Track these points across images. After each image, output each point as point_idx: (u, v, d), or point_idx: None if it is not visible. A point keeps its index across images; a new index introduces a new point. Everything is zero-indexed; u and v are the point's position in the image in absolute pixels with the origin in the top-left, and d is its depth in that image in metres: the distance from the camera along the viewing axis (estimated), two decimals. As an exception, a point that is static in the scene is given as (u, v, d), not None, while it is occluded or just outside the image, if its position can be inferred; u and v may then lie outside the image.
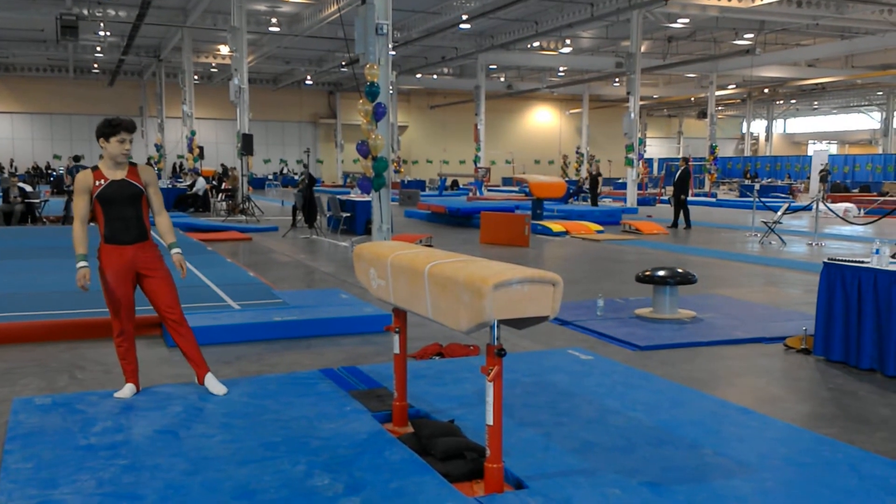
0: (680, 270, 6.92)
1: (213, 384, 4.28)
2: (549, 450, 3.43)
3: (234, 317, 6.34)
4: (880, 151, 40.96)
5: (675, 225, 16.71)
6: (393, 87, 23.80)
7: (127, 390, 4.24)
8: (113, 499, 2.90)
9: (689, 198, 17.36)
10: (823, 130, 50.10)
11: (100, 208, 4.10)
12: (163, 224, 4.41)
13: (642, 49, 23.48)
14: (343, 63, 30.70)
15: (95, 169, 4.15)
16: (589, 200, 22.56)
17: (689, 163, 17.42)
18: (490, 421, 2.91)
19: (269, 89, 42.18)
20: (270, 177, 41.78)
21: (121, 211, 4.12)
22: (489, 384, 2.88)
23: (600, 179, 23.03)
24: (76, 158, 19.37)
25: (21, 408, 4.01)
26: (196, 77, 32.78)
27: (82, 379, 4.96)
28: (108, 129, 4.10)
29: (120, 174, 4.13)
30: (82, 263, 4.09)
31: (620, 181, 32.27)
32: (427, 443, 3.41)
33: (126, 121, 4.19)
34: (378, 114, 9.82)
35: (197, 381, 4.34)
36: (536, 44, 29.30)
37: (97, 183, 4.08)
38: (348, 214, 14.75)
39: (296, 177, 39.27)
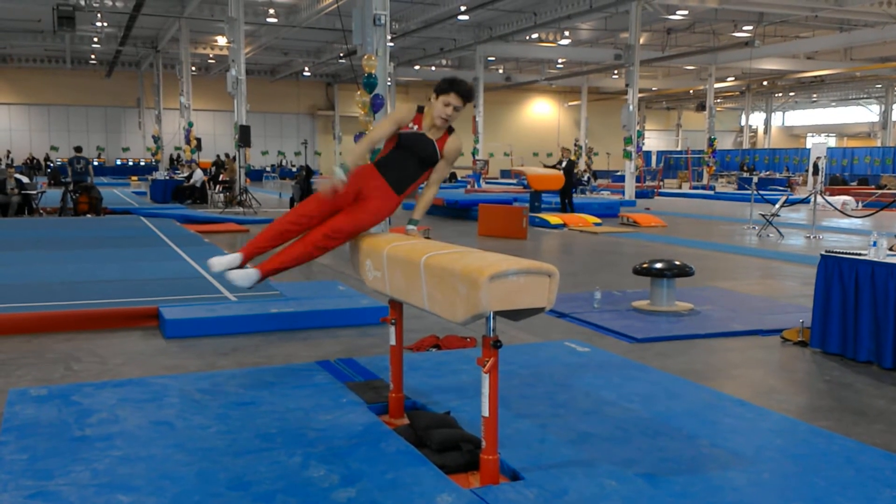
0: (677, 263, 6.92)
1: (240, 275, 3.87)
2: (545, 441, 3.43)
3: (232, 308, 6.33)
4: (879, 144, 40.97)
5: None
6: (391, 78, 23.71)
7: (229, 259, 3.86)
8: (108, 490, 2.90)
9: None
10: (822, 123, 50.07)
11: (393, 143, 3.91)
12: (425, 195, 4.02)
13: (641, 41, 23.42)
14: (341, 54, 30.63)
15: (420, 111, 3.93)
16: (573, 195, 18.91)
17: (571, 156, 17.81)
18: (486, 412, 2.91)
19: (267, 81, 42.08)
20: (268, 169, 41.74)
21: (405, 162, 3.87)
22: (485, 376, 2.88)
23: (582, 172, 21.77)
24: (77, 149, 19.30)
25: (16, 399, 4.00)
26: (193, 68, 32.64)
27: (78, 370, 4.95)
28: (443, 84, 3.85)
29: (432, 133, 3.87)
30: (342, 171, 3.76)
31: (619, 174, 32.26)
32: (423, 434, 3.41)
33: (463, 86, 3.86)
34: (376, 105, 9.80)
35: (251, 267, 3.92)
36: (535, 35, 29.21)
37: (409, 124, 3.88)
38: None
39: (293, 169, 39.24)
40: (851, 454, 3.35)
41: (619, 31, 28.03)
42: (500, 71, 38.83)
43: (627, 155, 21.71)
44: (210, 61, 37.23)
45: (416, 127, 3.89)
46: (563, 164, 18.02)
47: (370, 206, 3.84)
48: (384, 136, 3.97)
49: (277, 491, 2.89)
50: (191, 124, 25.25)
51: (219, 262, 3.86)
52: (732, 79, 38.27)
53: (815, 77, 35.93)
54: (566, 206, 17.29)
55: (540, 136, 47.88)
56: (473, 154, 29.51)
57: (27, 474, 3.03)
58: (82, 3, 22.87)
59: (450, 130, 3.92)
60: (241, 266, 3.90)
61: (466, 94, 3.85)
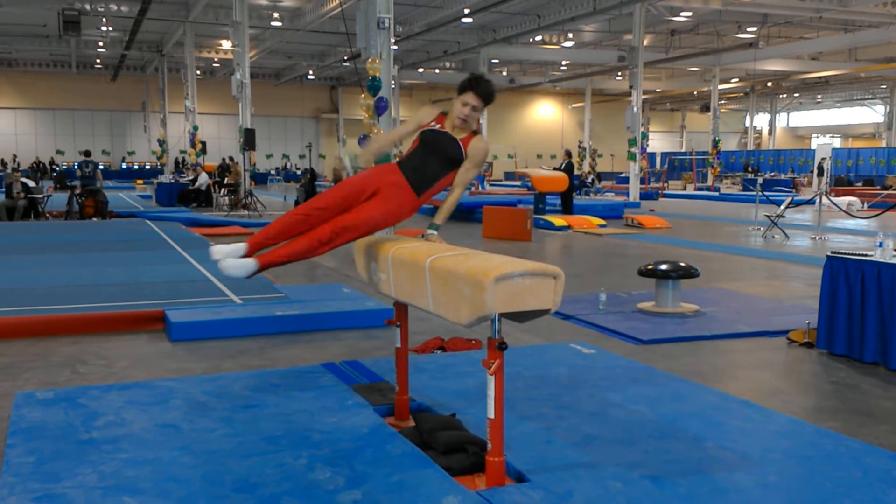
0: (682, 264, 6.91)
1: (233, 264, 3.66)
2: (551, 443, 3.43)
3: (237, 311, 6.34)
4: (884, 145, 40.82)
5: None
6: (395, 81, 23.73)
7: (232, 248, 3.66)
8: (115, 492, 2.91)
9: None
10: (827, 124, 49.95)
11: (416, 142, 3.80)
12: (448, 198, 3.82)
13: (645, 43, 23.39)
14: (345, 58, 30.66)
15: (445, 114, 3.80)
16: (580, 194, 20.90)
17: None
18: (491, 414, 2.90)
19: (272, 84, 42.15)
20: (273, 172, 41.81)
21: (427, 160, 3.72)
22: (490, 378, 2.87)
23: (586, 174, 22.09)
24: (86, 153, 19.39)
25: (23, 402, 4.01)
26: (198, 72, 32.77)
27: (84, 373, 4.96)
28: (464, 83, 3.70)
29: (455, 134, 3.73)
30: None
31: (623, 175, 32.22)
32: (428, 437, 3.41)
33: (483, 86, 3.68)
34: (380, 108, 9.81)
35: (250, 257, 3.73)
36: (539, 37, 29.21)
37: (431, 123, 3.77)
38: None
39: (298, 172, 39.30)
40: (858, 455, 3.34)
41: (622, 32, 28.01)
42: (504, 73, 38.83)
43: (631, 156, 21.69)
44: (215, 65, 37.34)
45: (438, 126, 3.74)
46: (563, 165, 18.08)
47: (385, 204, 3.64)
48: (403, 134, 3.90)
49: (283, 493, 2.90)
50: (196, 128, 25.32)
51: (222, 249, 3.67)
52: (736, 80, 38.20)
53: (820, 78, 35.86)
54: (568, 207, 17.31)
55: (544, 138, 47.85)
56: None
57: (34, 477, 3.04)
58: (88, 7, 22.97)
59: (474, 133, 3.75)
60: (246, 256, 3.71)
61: (485, 94, 3.68)
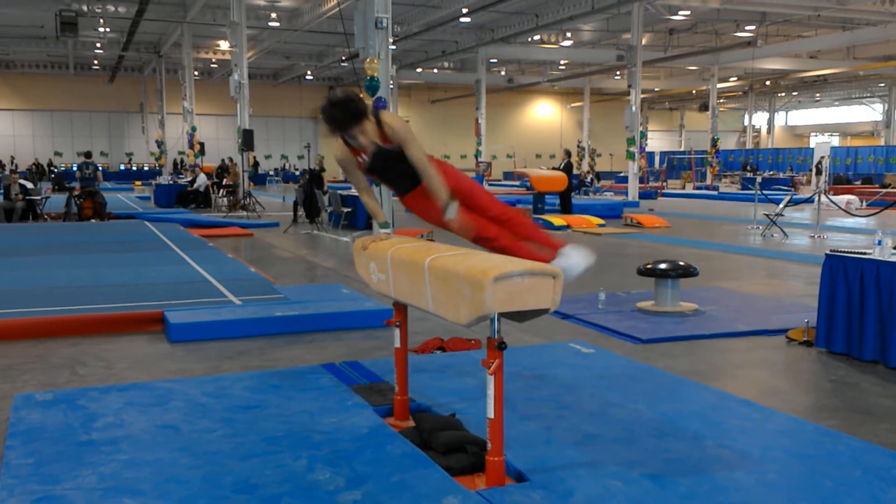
0: (682, 263, 6.91)
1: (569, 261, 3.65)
2: (551, 443, 3.43)
3: (236, 312, 6.34)
4: (882, 143, 40.84)
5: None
6: (393, 81, 23.72)
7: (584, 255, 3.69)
8: (114, 493, 2.90)
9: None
10: (825, 122, 49.97)
11: (373, 176, 3.76)
12: (432, 181, 3.64)
13: (643, 42, 23.40)
14: (343, 58, 30.65)
15: (347, 143, 3.65)
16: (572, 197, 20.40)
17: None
18: (491, 414, 2.90)
19: (270, 85, 42.12)
20: (271, 172, 41.80)
21: (393, 174, 3.71)
22: (490, 377, 2.87)
23: (585, 173, 22.05)
24: (86, 155, 19.39)
25: (22, 404, 4.01)
26: (196, 73, 32.72)
27: (84, 375, 4.96)
28: (329, 125, 3.55)
29: (370, 140, 3.61)
30: None
31: (622, 174, 32.23)
32: (428, 437, 3.41)
33: (326, 113, 3.53)
34: (378, 108, 9.81)
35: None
36: (537, 37, 29.20)
37: (359, 158, 3.68)
38: (349, 209, 14.74)
39: (296, 172, 39.29)
40: (858, 454, 3.34)
41: (621, 31, 28.01)
42: (503, 73, 38.82)
43: (630, 156, 21.69)
44: (213, 66, 37.29)
45: (363, 155, 3.61)
46: (562, 165, 18.08)
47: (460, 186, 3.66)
48: (362, 179, 3.75)
49: (283, 494, 2.90)
50: (194, 129, 25.31)
51: (576, 265, 3.65)
52: (735, 79, 38.20)
53: (818, 76, 35.87)
54: (567, 207, 17.32)
55: (543, 138, 47.85)
56: (476, 156, 29.51)
57: (33, 479, 3.04)
58: (85, 9, 22.95)
59: (377, 119, 3.56)
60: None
61: (328, 120, 3.51)
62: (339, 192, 15.59)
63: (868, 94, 44.89)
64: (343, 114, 3.47)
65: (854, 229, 14.97)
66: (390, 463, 3.16)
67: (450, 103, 43.56)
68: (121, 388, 4.36)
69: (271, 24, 26.48)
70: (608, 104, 45.10)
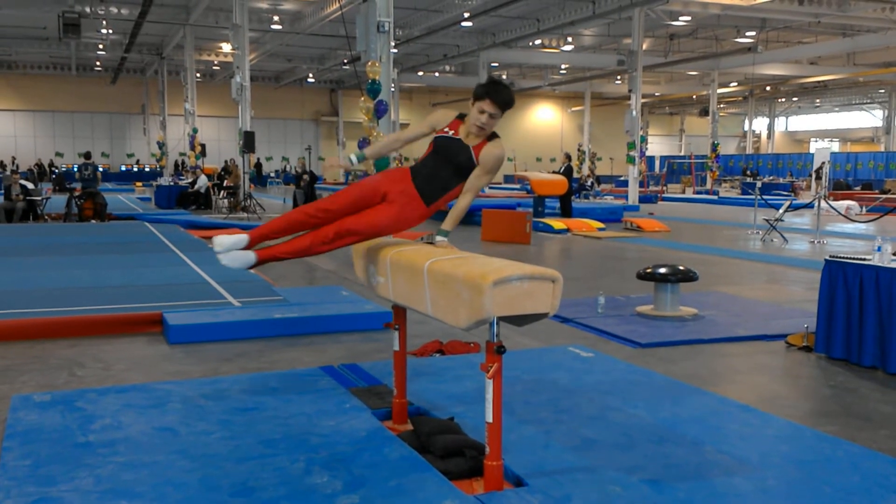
0: (681, 268, 6.90)
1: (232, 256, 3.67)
2: (549, 447, 3.42)
3: (235, 314, 6.33)
4: (882, 149, 40.88)
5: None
6: (394, 84, 23.77)
7: (235, 239, 3.66)
8: (111, 496, 2.90)
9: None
10: (825, 128, 50.03)
11: (430, 149, 3.70)
12: (458, 204, 3.67)
13: (644, 47, 23.44)
14: (345, 61, 30.69)
15: (461, 118, 3.65)
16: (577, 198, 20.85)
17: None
18: (490, 418, 2.90)
19: (271, 87, 42.20)
20: (272, 174, 41.85)
21: (438, 168, 3.61)
22: (489, 381, 2.87)
23: (585, 177, 22.29)
24: (86, 156, 19.42)
25: (20, 405, 4.00)
26: (198, 75, 32.78)
27: (82, 376, 4.95)
28: (479, 89, 3.55)
29: (469, 140, 3.58)
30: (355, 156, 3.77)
31: (623, 179, 32.25)
32: (426, 440, 3.40)
33: (500, 93, 3.53)
34: (380, 111, 9.83)
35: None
36: (538, 41, 29.29)
37: (445, 129, 3.64)
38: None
39: (297, 172, 39.33)
40: (857, 460, 3.33)
41: (621, 36, 28.07)
42: (504, 77, 38.87)
43: (631, 160, 21.72)
44: (215, 68, 37.38)
45: (452, 132, 3.62)
46: (562, 168, 18.12)
47: (391, 210, 3.57)
48: (413, 137, 3.85)
49: (281, 497, 2.89)
50: (195, 130, 25.34)
51: (223, 241, 3.66)
52: (735, 84, 38.27)
53: (819, 82, 35.96)
54: (567, 210, 17.33)
55: (543, 142, 47.94)
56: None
57: (30, 480, 3.03)
58: (88, 10, 22.98)
59: (491, 137, 3.60)
60: (247, 248, 3.71)
61: (503, 102, 3.53)
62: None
63: (868, 101, 44.96)
64: (510, 104, 3.63)
65: (854, 235, 14.97)
66: (388, 466, 3.16)
67: (451, 107, 43.59)
68: (119, 389, 4.35)
69: (273, 27, 26.53)
70: (609, 108, 45.17)
